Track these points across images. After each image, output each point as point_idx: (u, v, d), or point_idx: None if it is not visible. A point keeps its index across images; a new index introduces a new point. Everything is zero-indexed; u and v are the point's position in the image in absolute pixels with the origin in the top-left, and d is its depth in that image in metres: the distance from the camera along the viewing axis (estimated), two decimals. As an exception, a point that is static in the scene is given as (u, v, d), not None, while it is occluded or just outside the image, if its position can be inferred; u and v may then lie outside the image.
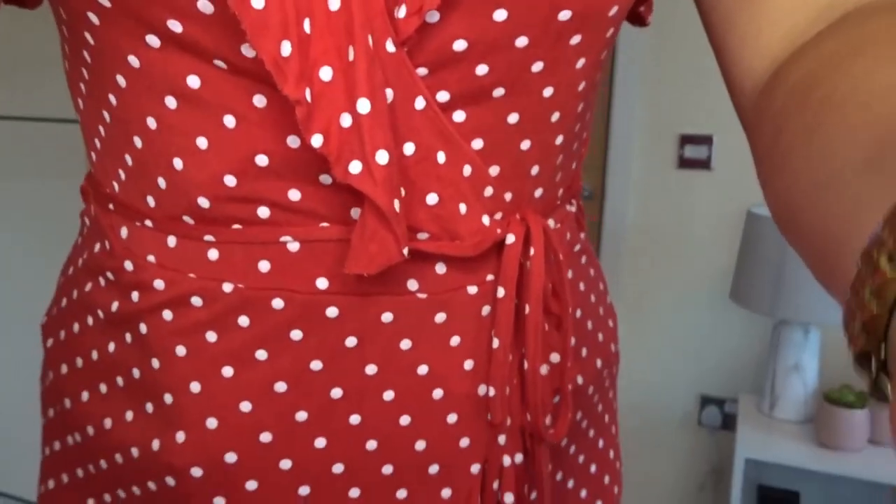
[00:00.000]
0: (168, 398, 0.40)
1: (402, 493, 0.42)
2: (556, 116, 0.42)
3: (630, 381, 1.97)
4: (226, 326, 0.39)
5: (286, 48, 0.33)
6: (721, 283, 1.84)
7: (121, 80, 0.38)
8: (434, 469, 0.42)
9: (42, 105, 1.77)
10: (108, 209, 0.43)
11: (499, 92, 0.38)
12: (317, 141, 0.34)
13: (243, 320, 0.39)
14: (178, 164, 0.38)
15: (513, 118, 0.40)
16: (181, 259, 0.39)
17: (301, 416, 0.40)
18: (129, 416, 0.42)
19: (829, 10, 0.38)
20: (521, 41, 0.37)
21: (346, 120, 0.34)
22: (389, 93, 0.35)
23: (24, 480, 1.99)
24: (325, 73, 0.33)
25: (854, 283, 0.24)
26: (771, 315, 1.52)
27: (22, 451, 1.98)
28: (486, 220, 0.40)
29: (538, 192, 0.43)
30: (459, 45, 0.36)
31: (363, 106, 0.34)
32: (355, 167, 0.34)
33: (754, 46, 0.40)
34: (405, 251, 0.36)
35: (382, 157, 0.35)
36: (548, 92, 0.40)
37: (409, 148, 0.37)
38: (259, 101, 0.36)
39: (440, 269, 0.40)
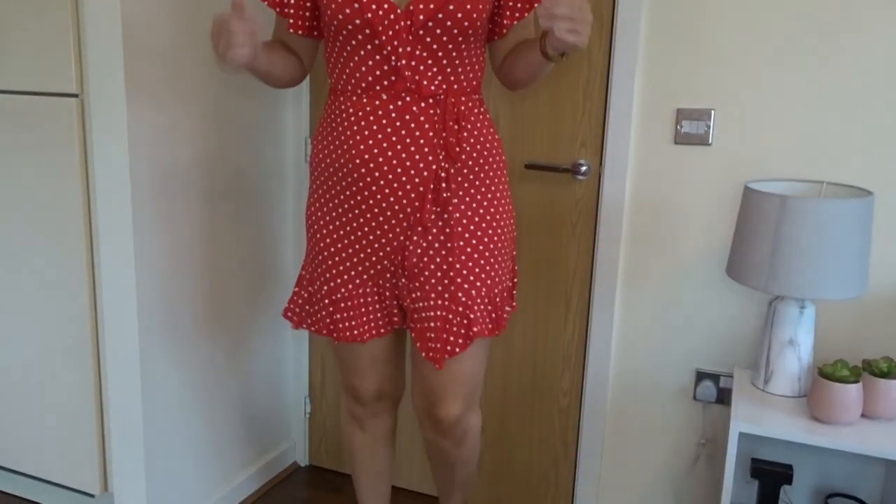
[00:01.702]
0: (350, 142, 1.40)
1: (405, 176, 1.40)
2: (455, 53, 1.39)
3: (626, 356, 1.98)
4: (365, 113, 1.39)
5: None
6: (717, 259, 1.84)
7: (341, 52, 1.40)
8: (417, 159, 1.40)
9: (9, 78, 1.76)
10: (337, 92, 1.44)
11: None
12: (401, 66, 1.37)
13: (371, 116, 1.39)
14: (358, 73, 1.39)
15: (438, 44, 1.37)
16: (359, 101, 1.40)
17: (385, 145, 1.38)
18: (340, 152, 1.42)
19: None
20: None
21: (406, 51, 1.36)
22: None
23: (18, 453, 2.00)
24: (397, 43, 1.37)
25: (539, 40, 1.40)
26: (766, 290, 1.52)
27: (20, 428, 1.99)
28: (434, 88, 1.38)
29: (455, 87, 1.41)
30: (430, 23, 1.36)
31: (414, 43, 1.36)
32: (403, 62, 1.37)
33: (498, 58, 1.54)
34: (416, 91, 1.38)
35: (412, 59, 1.37)
36: (450, 35, 1.37)
37: (416, 57, 1.38)
38: (375, 56, 1.37)
39: (423, 105, 1.39)
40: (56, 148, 1.75)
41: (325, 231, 1.49)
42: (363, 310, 1.50)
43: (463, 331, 1.44)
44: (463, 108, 1.41)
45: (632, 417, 2.00)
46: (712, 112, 1.78)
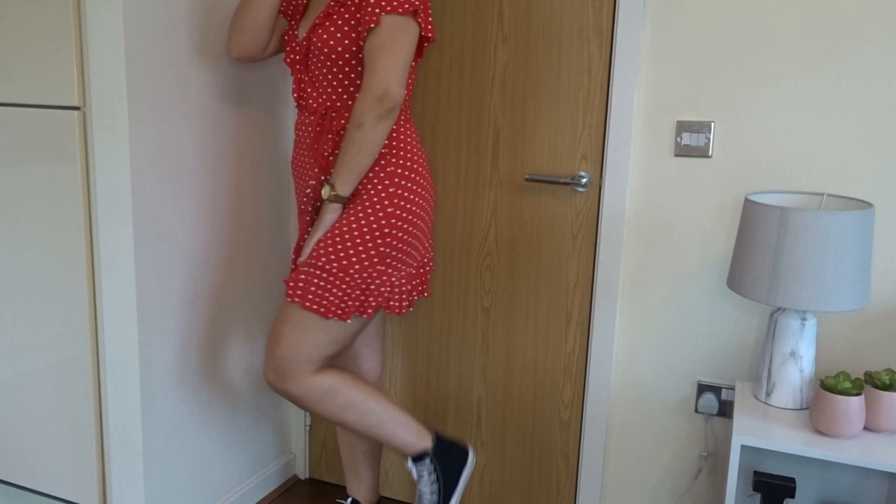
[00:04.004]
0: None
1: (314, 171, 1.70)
2: (329, 76, 1.64)
3: (628, 368, 1.97)
4: (295, 130, 1.78)
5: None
6: (718, 271, 1.84)
7: None
8: (313, 171, 1.70)
9: (10, 91, 1.77)
10: None
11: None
12: (293, 87, 1.74)
13: (295, 126, 1.78)
14: None
15: (317, 69, 1.65)
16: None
17: (297, 151, 1.75)
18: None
19: None
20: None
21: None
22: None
23: (17, 466, 2.00)
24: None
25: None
26: (767, 302, 1.52)
27: (19, 441, 1.99)
28: (316, 106, 1.67)
29: (339, 104, 1.64)
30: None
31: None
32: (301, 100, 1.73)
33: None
34: (305, 108, 1.71)
35: (301, 82, 1.71)
36: (321, 61, 1.64)
37: (304, 81, 1.70)
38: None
39: (312, 118, 1.68)
40: (58, 160, 1.76)
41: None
42: None
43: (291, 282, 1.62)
44: (344, 121, 1.63)
45: (633, 430, 2.00)
46: (712, 124, 1.78)
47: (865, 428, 1.57)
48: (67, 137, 1.73)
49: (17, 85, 1.77)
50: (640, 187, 1.88)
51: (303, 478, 2.45)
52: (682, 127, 1.81)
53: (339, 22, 1.57)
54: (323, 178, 1.67)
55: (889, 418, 1.54)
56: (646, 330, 1.93)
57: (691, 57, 1.78)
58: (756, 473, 1.68)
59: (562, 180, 1.94)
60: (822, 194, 1.69)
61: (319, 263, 1.58)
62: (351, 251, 1.58)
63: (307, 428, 2.41)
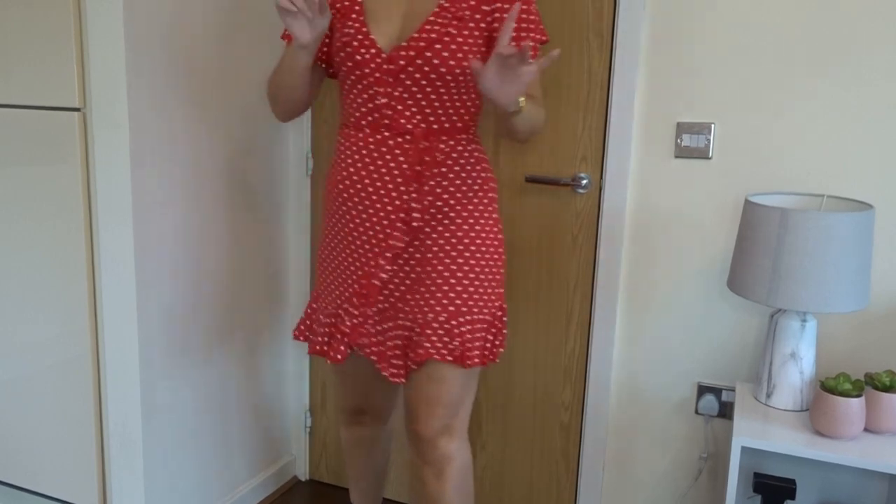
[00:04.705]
0: (341, 168, 1.55)
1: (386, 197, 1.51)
2: (433, 97, 1.47)
3: (628, 369, 1.97)
4: (351, 143, 1.53)
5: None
6: (719, 272, 1.84)
7: (341, 89, 1.57)
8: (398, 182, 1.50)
9: (11, 92, 1.77)
10: (341, 125, 1.58)
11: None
12: (381, 104, 1.49)
13: (354, 146, 1.52)
14: (351, 108, 1.54)
15: (417, 87, 1.46)
16: (351, 133, 1.54)
17: (363, 173, 1.52)
18: (337, 178, 1.55)
19: None
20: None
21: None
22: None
23: (17, 467, 2.00)
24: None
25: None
26: (768, 304, 1.52)
27: (19, 441, 1.99)
28: (411, 127, 1.48)
29: (435, 126, 1.48)
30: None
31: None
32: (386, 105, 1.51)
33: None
34: (392, 127, 1.49)
35: (391, 98, 1.48)
36: (428, 79, 1.46)
37: (395, 97, 1.50)
38: (363, 95, 1.52)
39: (398, 140, 1.48)
40: (58, 161, 1.76)
41: (325, 253, 1.63)
42: (334, 329, 1.59)
43: (411, 353, 1.52)
44: (443, 146, 1.49)
45: (633, 432, 1.99)
46: (712, 126, 1.78)
47: (866, 429, 1.57)
48: (67, 138, 1.74)
49: (18, 86, 1.77)
50: (641, 189, 1.88)
51: (303, 479, 2.44)
52: (682, 128, 1.81)
53: (459, 40, 1.43)
54: (420, 212, 1.50)
55: (889, 419, 1.54)
56: (646, 331, 1.93)
57: (691, 57, 1.78)
58: (756, 475, 1.67)
59: (562, 181, 1.94)
60: (823, 195, 1.69)
61: (469, 319, 1.51)
62: (484, 295, 1.53)
63: (307, 429, 2.41)
